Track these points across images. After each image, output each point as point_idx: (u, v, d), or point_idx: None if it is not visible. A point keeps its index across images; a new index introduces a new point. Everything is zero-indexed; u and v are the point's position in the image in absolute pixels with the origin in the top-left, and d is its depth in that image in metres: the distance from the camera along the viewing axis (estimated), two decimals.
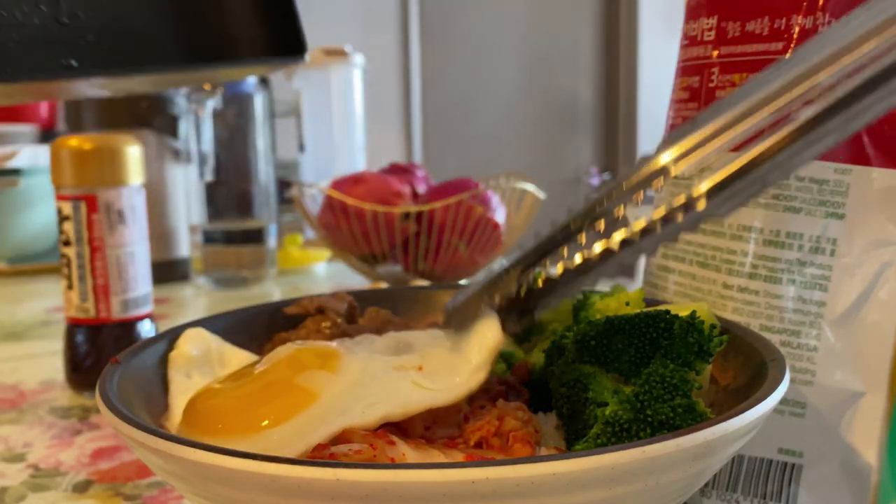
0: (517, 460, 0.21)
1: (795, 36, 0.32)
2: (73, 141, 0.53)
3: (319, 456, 0.26)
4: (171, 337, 0.36)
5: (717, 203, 0.23)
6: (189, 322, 0.38)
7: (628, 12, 3.07)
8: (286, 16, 0.29)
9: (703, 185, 0.23)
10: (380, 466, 0.21)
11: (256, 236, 0.94)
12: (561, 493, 0.21)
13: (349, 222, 0.81)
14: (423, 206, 0.80)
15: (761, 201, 0.33)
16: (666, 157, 0.24)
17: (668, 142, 0.24)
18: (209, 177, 0.91)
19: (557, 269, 0.26)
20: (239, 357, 0.37)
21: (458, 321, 0.30)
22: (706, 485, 0.34)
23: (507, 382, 0.34)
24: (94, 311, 0.53)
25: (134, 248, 0.54)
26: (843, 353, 0.32)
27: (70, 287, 0.53)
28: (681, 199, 0.23)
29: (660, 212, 0.23)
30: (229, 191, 0.93)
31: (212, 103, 0.89)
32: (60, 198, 0.53)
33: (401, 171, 0.89)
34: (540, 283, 0.27)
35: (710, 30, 0.36)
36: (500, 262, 0.29)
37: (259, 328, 0.40)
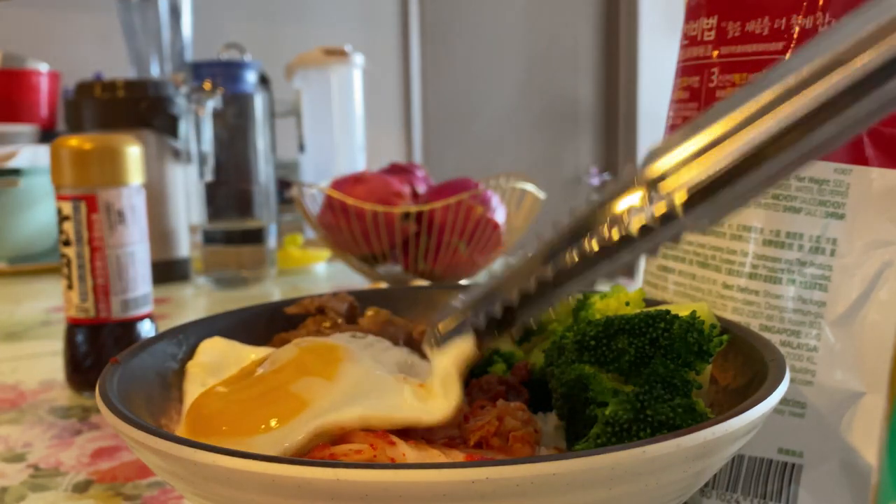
0: (517, 460, 0.21)
1: (795, 36, 0.32)
2: (73, 141, 0.53)
3: (319, 456, 0.26)
4: (171, 337, 0.36)
5: (699, 214, 0.22)
6: (189, 322, 0.38)
7: (628, 12, 3.07)
8: None
9: (681, 196, 0.22)
10: (380, 466, 0.21)
11: (256, 236, 0.94)
12: (561, 493, 0.21)
13: (349, 222, 0.81)
14: (423, 206, 0.80)
15: (761, 201, 0.33)
16: (658, 168, 0.23)
17: (657, 153, 0.23)
18: (209, 177, 0.91)
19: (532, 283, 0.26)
20: (259, 355, 0.37)
21: (436, 338, 0.29)
22: (706, 485, 0.34)
23: (507, 382, 0.34)
24: (94, 311, 0.53)
25: (134, 248, 0.54)
26: (843, 353, 0.32)
27: (70, 287, 0.53)
28: (661, 209, 0.22)
29: (638, 221, 0.23)
30: (229, 191, 0.93)
31: (212, 103, 0.89)
32: (60, 198, 0.53)
33: (401, 171, 0.89)
34: (515, 298, 0.26)
35: (710, 30, 0.36)
36: (483, 280, 0.28)
37: (259, 328, 0.40)
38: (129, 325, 0.55)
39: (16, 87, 1.30)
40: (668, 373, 0.27)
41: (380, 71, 2.66)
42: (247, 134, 0.93)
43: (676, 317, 0.29)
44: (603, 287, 0.34)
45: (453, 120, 2.93)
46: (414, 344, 0.39)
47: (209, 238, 0.93)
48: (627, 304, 0.34)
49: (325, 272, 1.04)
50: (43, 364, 0.63)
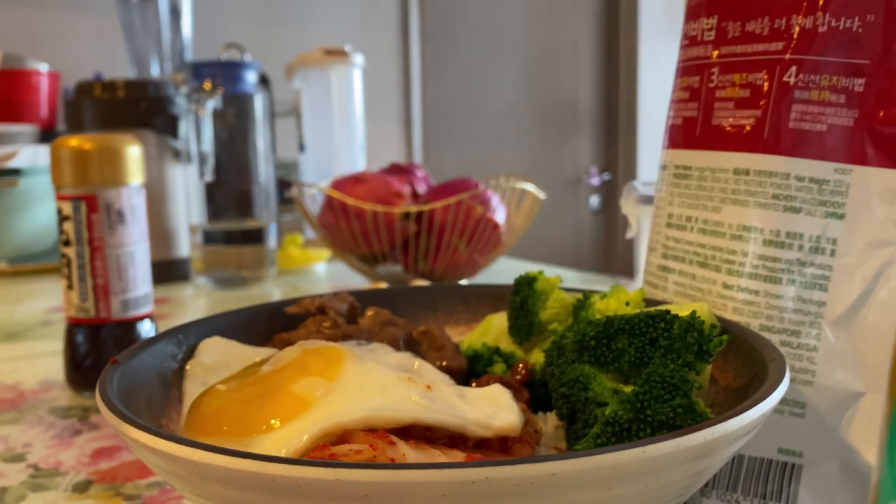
0: (517, 460, 0.21)
1: (795, 36, 0.32)
2: (73, 141, 0.53)
3: (319, 456, 0.26)
4: (171, 337, 0.36)
5: None
6: (189, 322, 0.38)
7: (628, 12, 3.07)
8: None
9: None
10: (380, 466, 0.21)
11: (256, 236, 0.94)
12: (561, 493, 0.21)
13: (349, 222, 0.81)
14: (423, 206, 0.80)
15: (761, 201, 0.33)
16: None
17: None
18: (209, 177, 0.91)
19: None
20: (258, 355, 0.37)
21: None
22: (706, 485, 0.34)
23: (507, 382, 0.34)
24: (94, 311, 0.53)
25: (134, 248, 0.54)
26: (843, 353, 0.32)
27: (70, 287, 0.53)
28: None
29: None
30: (229, 191, 0.93)
31: (212, 103, 0.89)
32: (60, 198, 0.53)
33: (401, 171, 0.89)
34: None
35: (709, 30, 0.36)
36: None
37: (259, 328, 0.40)
38: (129, 325, 0.55)
39: (16, 87, 1.30)
40: (668, 373, 0.27)
41: (380, 71, 2.66)
42: (247, 134, 0.93)
43: (676, 317, 0.29)
44: (603, 287, 0.34)
45: (453, 120, 2.93)
46: (414, 344, 0.39)
47: (209, 238, 0.93)
48: (627, 304, 0.34)
49: (325, 272, 1.04)
50: (43, 364, 0.63)
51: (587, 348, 0.30)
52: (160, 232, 0.92)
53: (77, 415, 0.51)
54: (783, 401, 0.33)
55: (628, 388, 0.28)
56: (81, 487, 0.41)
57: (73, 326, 0.55)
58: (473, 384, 0.35)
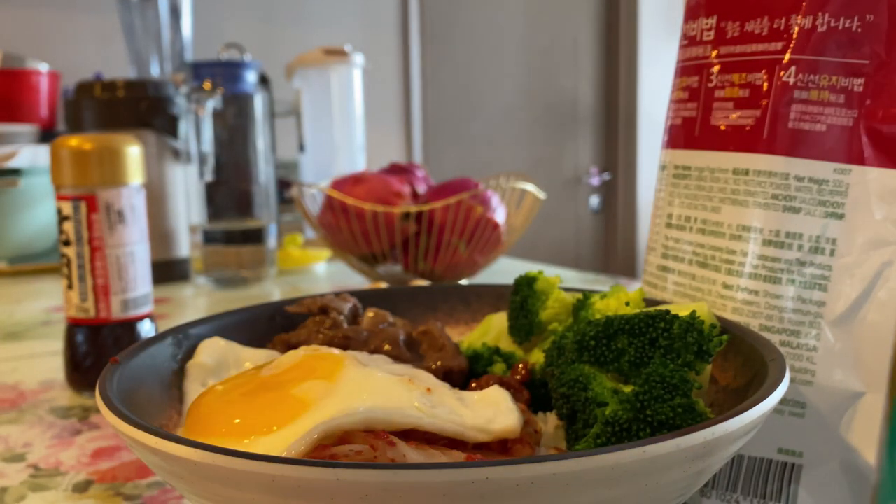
0: (517, 460, 0.21)
1: (795, 36, 0.32)
2: (73, 141, 0.53)
3: (319, 456, 0.26)
4: (171, 337, 0.36)
5: None
6: (189, 322, 0.38)
7: (628, 12, 3.07)
8: None
9: None
10: (380, 466, 0.21)
11: (256, 236, 0.94)
12: (561, 493, 0.21)
13: (349, 222, 0.81)
14: (423, 206, 0.80)
15: (761, 201, 0.33)
16: None
17: None
18: (209, 177, 0.91)
19: None
20: (256, 358, 0.37)
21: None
22: (706, 485, 0.34)
23: (507, 382, 0.34)
24: (94, 311, 0.53)
25: (134, 248, 0.54)
26: (842, 353, 0.32)
27: (70, 287, 0.53)
28: None
29: None
30: (229, 191, 0.93)
31: (212, 103, 0.89)
32: (60, 198, 0.53)
33: (401, 171, 0.89)
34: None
35: (709, 30, 0.36)
36: None
37: (259, 328, 0.40)
38: (129, 325, 0.55)
39: (16, 87, 1.30)
40: (668, 373, 0.27)
41: (380, 71, 2.66)
42: (247, 134, 0.93)
43: (676, 317, 0.29)
44: (603, 287, 0.34)
45: (453, 120, 2.93)
46: (414, 344, 0.39)
47: (209, 238, 0.93)
48: (627, 304, 0.34)
49: (325, 272, 1.04)
50: (43, 364, 0.63)
51: (587, 348, 0.30)
52: (160, 232, 0.92)
53: (77, 415, 0.51)
54: (783, 401, 0.33)
55: (628, 388, 0.28)
56: (81, 487, 0.41)
57: (73, 326, 0.55)
58: (473, 384, 0.35)
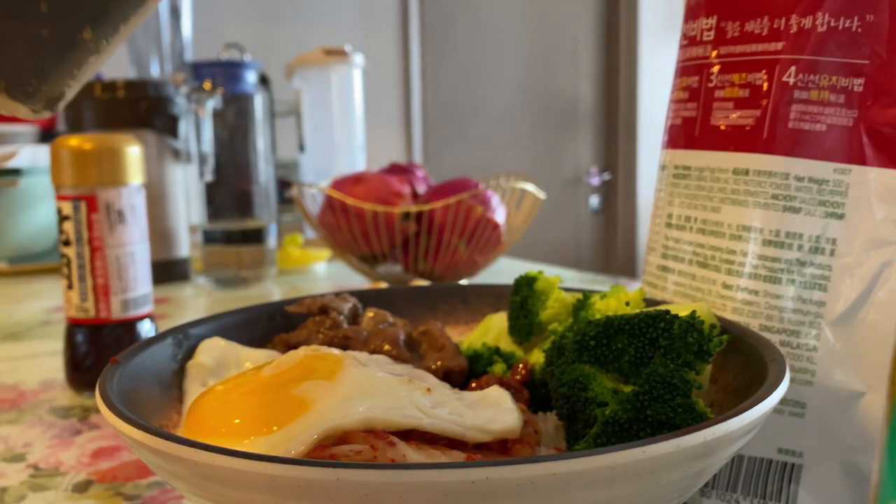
0: (517, 460, 0.21)
1: (794, 36, 0.32)
2: (73, 141, 0.53)
3: (319, 456, 0.26)
4: (171, 337, 0.36)
5: None
6: (189, 322, 0.38)
7: (628, 12, 3.07)
8: None
9: None
10: (380, 466, 0.21)
11: (256, 236, 0.94)
12: (561, 493, 0.21)
13: (349, 222, 0.81)
14: (423, 206, 0.80)
15: (761, 201, 0.33)
16: None
17: None
18: (209, 177, 0.91)
19: None
20: (256, 358, 0.37)
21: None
22: (706, 485, 0.34)
23: (507, 382, 0.34)
24: (94, 311, 0.53)
25: (134, 248, 0.54)
26: (842, 353, 0.32)
27: (70, 287, 0.53)
28: None
29: None
30: (229, 191, 0.93)
31: (212, 103, 0.89)
32: (60, 198, 0.53)
33: (401, 171, 0.89)
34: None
35: (709, 30, 0.36)
36: None
37: (259, 328, 0.40)
38: (129, 325, 0.55)
39: None
40: (668, 373, 0.27)
41: (380, 71, 2.66)
42: (247, 134, 0.93)
43: (676, 317, 0.29)
44: (603, 287, 0.34)
45: (453, 120, 2.93)
46: (414, 344, 0.39)
47: (209, 238, 0.93)
48: (627, 304, 0.34)
49: (325, 272, 1.04)
50: (43, 364, 0.63)
51: (587, 348, 0.30)
52: (160, 232, 0.92)
53: (77, 415, 0.51)
54: (783, 401, 0.33)
55: (628, 388, 0.28)
56: (81, 487, 0.41)
57: (73, 326, 0.55)
58: (473, 384, 0.35)
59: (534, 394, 0.35)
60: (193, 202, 0.95)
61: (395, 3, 2.78)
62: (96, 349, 0.54)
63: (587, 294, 0.36)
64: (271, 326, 0.40)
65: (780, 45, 0.33)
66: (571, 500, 0.21)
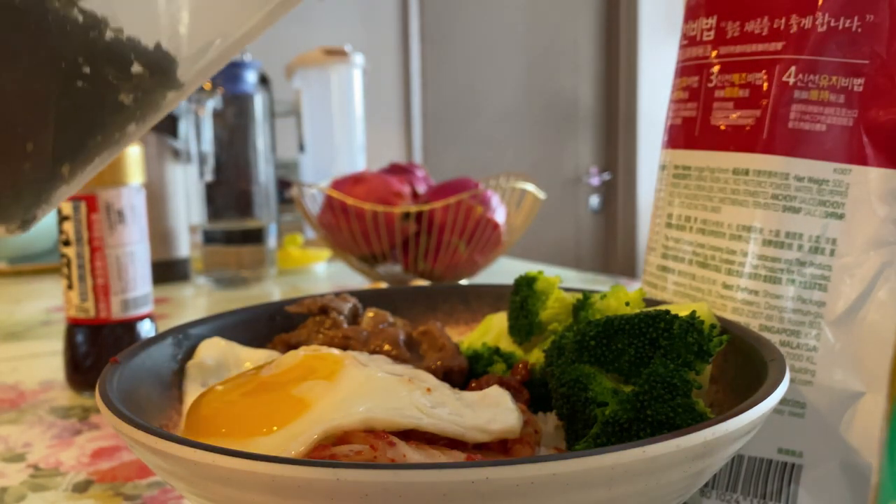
0: (517, 460, 0.21)
1: (794, 36, 0.32)
2: None
3: (319, 456, 0.26)
4: (171, 337, 0.36)
5: None
6: (189, 322, 0.38)
7: (628, 12, 3.07)
8: None
9: None
10: (380, 466, 0.21)
11: (256, 236, 0.94)
12: (561, 493, 0.21)
13: (349, 222, 0.81)
14: (423, 206, 0.80)
15: (761, 201, 0.33)
16: None
17: None
18: (209, 177, 0.91)
19: None
20: (256, 358, 0.37)
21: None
22: (706, 485, 0.34)
23: (507, 382, 0.34)
24: (94, 311, 0.53)
25: (134, 248, 0.54)
26: (842, 353, 0.32)
27: (70, 287, 0.53)
28: None
29: None
30: (229, 191, 0.93)
31: (212, 103, 0.89)
32: None
33: (401, 171, 0.89)
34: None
35: (709, 30, 0.36)
36: None
37: (259, 328, 0.40)
38: (129, 325, 0.55)
39: None
40: (668, 373, 0.27)
41: (380, 71, 2.66)
42: (247, 134, 0.93)
43: (676, 317, 0.29)
44: (603, 287, 0.34)
45: (453, 120, 2.93)
46: (414, 344, 0.39)
47: (209, 238, 0.93)
48: (627, 304, 0.34)
49: (325, 272, 1.04)
50: (43, 364, 0.63)
51: (587, 348, 0.30)
52: (160, 232, 0.92)
53: (77, 415, 0.51)
54: (783, 401, 0.33)
55: (628, 388, 0.28)
56: (81, 487, 0.41)
57: (73, 326, 0.55)
58: (473, 384, 0.35)
59: (534, 394, 0.35)
60: (193, 202, 0.95)
61: (395, 3, 2.78)
62: (96, 349, 0.54)
63: (587, 294, 0.36)
64: (271, 326, 0.40)
65: (779, 45, 0.33)
66: (571, 500, 0.21)
